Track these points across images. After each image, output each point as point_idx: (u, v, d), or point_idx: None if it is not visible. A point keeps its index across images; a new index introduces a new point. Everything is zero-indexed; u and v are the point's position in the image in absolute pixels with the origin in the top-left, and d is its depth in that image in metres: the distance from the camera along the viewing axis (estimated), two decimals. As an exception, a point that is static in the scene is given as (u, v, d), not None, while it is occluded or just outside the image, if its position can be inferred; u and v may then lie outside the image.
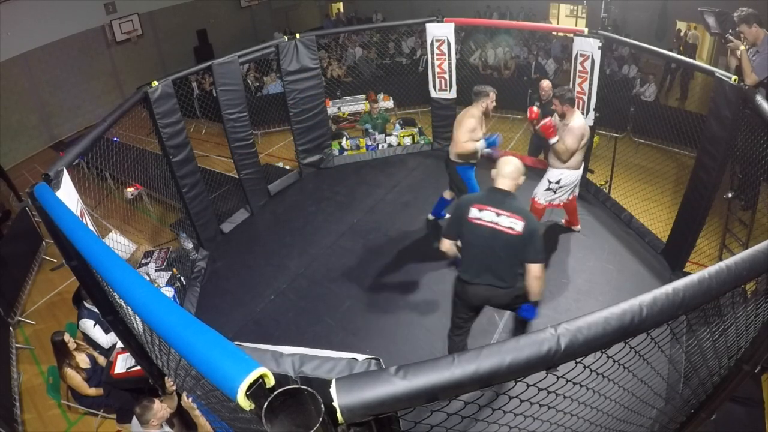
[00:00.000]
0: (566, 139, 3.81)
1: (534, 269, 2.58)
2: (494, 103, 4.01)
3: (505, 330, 3.59)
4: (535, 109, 4.23)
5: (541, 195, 4.10)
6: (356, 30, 10.73)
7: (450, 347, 3.08)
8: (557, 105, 3.86)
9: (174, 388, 2.98)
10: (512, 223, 2.54)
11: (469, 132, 3.91)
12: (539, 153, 5.72)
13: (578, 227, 4.54)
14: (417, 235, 4.70)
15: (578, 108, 4.48)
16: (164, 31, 12.28)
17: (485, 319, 3.70)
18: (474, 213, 2.63)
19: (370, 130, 6.59)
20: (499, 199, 2.62)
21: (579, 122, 3.79)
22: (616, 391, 1.56)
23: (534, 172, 5.42)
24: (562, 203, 4.19)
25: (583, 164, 4.05)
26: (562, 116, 3.89)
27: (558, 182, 3.97)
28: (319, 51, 5.75)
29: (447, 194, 4.59)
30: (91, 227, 2.64)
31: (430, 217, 4.88)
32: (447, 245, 2.83)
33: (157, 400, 2.82)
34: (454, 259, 3.00)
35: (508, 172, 2.64)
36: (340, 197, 5.54)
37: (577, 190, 4.27)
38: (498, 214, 2.58)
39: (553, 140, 3.84)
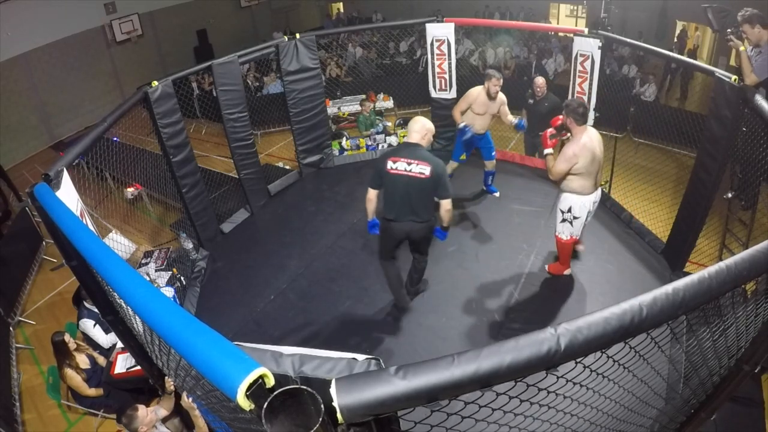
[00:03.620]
0: (558, 159, 3.43)
1: (445, 203, 3.22)
2: (497, 87, 4.45)
3: (506, 330, 3.59)
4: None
5: (559, 229, 3.77)
6: (356, 30, 10.73)
7: (384, 271, 3.71)
8: (563, 116, 3.48)
9: (173, 387, 2.97)
10: (421, 169, 3.08)
11: (462, 103, 4.68)
12: (535, 152, 5.72)
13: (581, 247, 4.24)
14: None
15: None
16: (164, 31, 12.26)
17: (486, 319, 3.70)
18: (390, 165, 3.13)
19: (381, 122, 6.83)
20: (410, 151, 3.13)
21: (574, 145, 3.33)
22: (616, 391, 1.56)
23: (531, 174, 5.50)
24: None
25: (598, 189, 3.62)
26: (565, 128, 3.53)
27: (569, 210, 3.62)
28: (319, 51, 5.74)
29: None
30: (91, 227, 2.64)
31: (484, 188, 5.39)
32: (372, 194, 3.34)
33: (141, 406, 2.74)
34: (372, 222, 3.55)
35: (417, 128, 3.17)
36: (340, 197, 5.54)
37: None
38: (409, 164, 3.10)
39: (546, 150, 3.53)
